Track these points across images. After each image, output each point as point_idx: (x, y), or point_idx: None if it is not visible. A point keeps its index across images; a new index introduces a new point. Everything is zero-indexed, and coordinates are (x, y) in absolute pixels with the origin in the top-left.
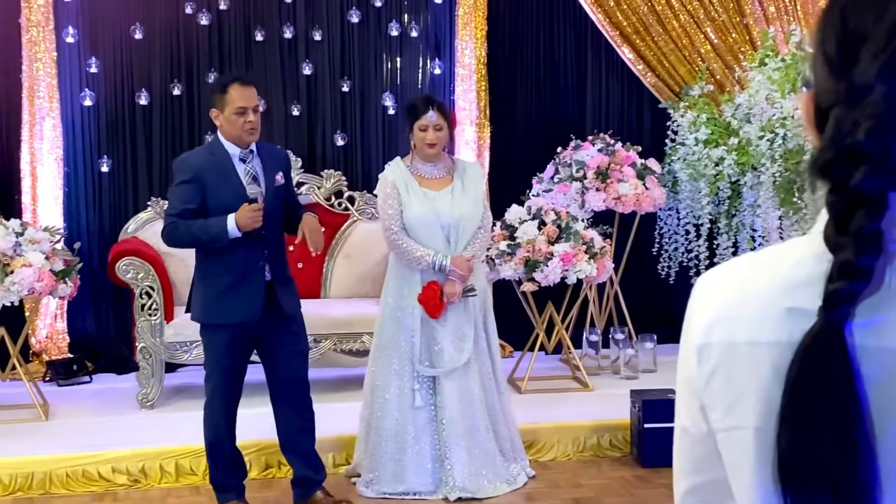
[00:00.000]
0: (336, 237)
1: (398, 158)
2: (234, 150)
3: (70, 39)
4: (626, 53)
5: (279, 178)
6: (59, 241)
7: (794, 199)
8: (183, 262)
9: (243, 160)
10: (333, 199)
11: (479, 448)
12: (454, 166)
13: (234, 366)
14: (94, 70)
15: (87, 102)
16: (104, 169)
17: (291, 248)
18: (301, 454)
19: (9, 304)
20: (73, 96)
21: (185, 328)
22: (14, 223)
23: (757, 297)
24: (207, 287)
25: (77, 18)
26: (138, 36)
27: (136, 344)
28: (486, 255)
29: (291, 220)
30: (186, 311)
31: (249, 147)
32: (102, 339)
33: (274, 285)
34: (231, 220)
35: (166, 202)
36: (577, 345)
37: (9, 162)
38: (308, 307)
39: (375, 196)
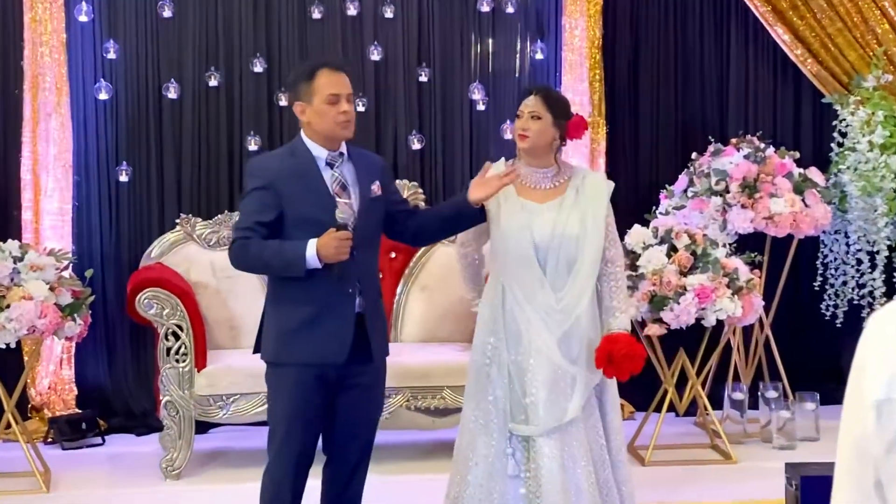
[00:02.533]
0: (410, 265)
1: (501, 160)
2: (320, 151)
3: (83, 18)
4: (780, 34)
5: (375, 188)
6: (66, 268)
7: None
8: (219, 296)
9: (331, 164)
10: None
11: None
12: (571, 176)
13: (308, 419)
14: (112, 56)
15: (104, 96)
16: (123, 179)
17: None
18: None
19: (4, 347)
20: (86, 88)
21: (220, 378)
22: (11, 245)
23: None
24: (282, 318)
25: None
26: (167, 14)
27: (160, 397)
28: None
29: (421, 228)
30: (255, 352)
31: (339, 149)
32: (118, 391)
33: (364, 320)
34: (312, 246)
35: (198, 221)
36: (717, 405)
37: (7, 169)
38: None
39: None
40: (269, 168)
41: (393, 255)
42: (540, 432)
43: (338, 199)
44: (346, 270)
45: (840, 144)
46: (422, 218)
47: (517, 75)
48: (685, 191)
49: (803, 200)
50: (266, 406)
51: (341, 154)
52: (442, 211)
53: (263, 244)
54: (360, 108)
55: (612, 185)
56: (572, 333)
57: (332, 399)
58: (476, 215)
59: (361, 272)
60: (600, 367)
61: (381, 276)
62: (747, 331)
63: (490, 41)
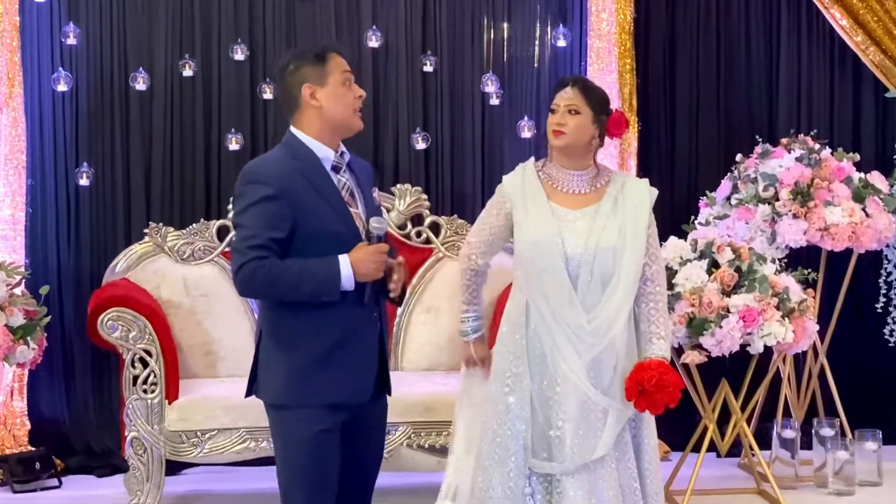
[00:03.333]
0: (412, 283)
1: (531, 161)
2: (325, 152)
3: None
4: (837, 19)
5: (376, 196)
6: (18, 285)
7: None
8: (194, 317)
9: (336, 169)
10: (410, 226)
11: None
12: (608, 180)
13: (330, 473)
14: (72, 41)
15: (62, 87)
16: (84, 182)
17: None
18: None
19: None
20: (42, 79)
21: (195, 411)
22: None
23: None
24: (296, 351)
25: None
26: None
27: (126, 433)
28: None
29: None
30: (248, 395)
31: (341, 150)
32: (77, 426)
33: (383, 347)
34: (346, 264)
35: (170, 230)
36: (765, 444)
37: None
38: None
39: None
40: (277, 173)
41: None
42: (565, 470)
43: (349, 208)
44: (376, 291)
45: None
46: None
47: (536, 65)
48: (728, 198)
49: (864, 209)
50: (247, 444)
51: (343, 154)
52: None
53: (285, 265)
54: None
55: (655, 192)
56: (604, 359)
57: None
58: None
59: (378, 291)
60: (630, 398)
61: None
62: (799, 359)
63: (505, 26)
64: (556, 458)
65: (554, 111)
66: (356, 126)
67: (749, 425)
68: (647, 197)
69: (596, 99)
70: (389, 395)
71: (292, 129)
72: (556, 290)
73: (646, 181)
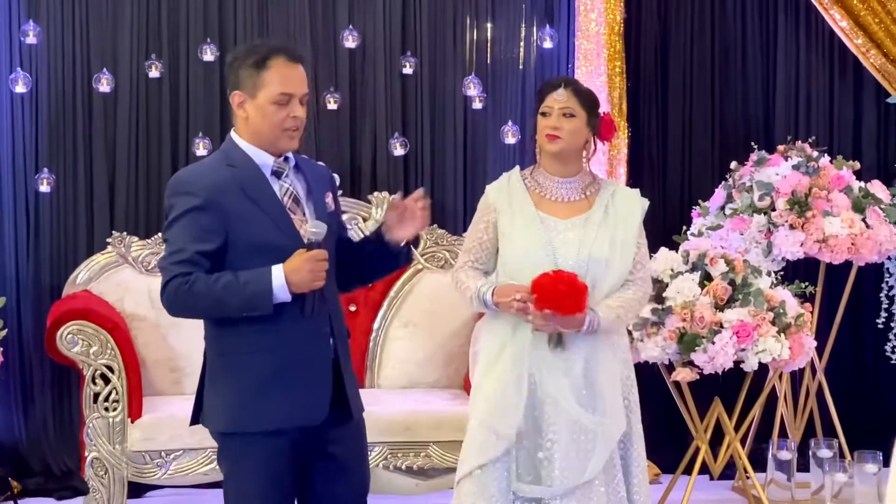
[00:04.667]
0: (390, 295)
1: (516, 169)
2: (263, 158)
3: None
4: (837, 21)
5: (329, 201)
6: None
7: None
8: (158, 331)
9: (277, 174)
10: None
11: None
12: (598, 188)
13: (283, 499)
14: (31, 40)
15: (20, 89)
16: (43, 188)
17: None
18: None
19: None
20: None
21: (159, 430)
22: None
23: None
24: (240, 374)
25: None
26: None
27: (86, 454)
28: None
29: (346, 265)
30: (193, 423)
31: (284, 155)
32: (35, 446)
33: (339, 366)
34: (279, 274)
35: (134, 240)
36: (760, 466)
37: None
38: None
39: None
40: (205, 183)
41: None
42: (554, 494)
43: (291, 214)
44: (320, 303)
45: None
46: (344, 253)
47: (521, 67)
48: (722, 208)
49: (864, 220)
50: (214, 465)
51: (287, 159)
52: (364, 246)
53: (211, 279)
54: (332, 106)
55: (646, 203)
56: (593, 374)
57: (302, 475)
58: (402, 255)
59: (330, 307)
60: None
61: (353, 308)
62: (796, 377)
63: (489, 26)
64: (545, 481)
65: (546, 114)
66: (285, 147)
67: (743, 446)
68: (638, 208)
69: (590, 100)
70: (351, 418)
71: (232, 132)
72: None
73: (637, 191)
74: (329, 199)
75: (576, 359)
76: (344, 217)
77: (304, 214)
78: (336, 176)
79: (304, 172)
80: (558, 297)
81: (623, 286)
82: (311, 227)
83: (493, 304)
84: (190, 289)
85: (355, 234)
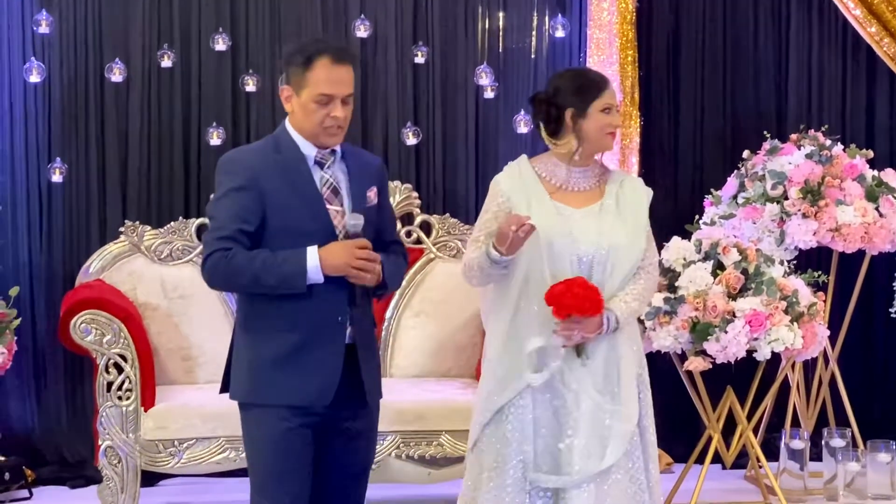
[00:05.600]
0: (403, 285)
1: (523, 158)
2: (308, 148)
3: None
4: (850, 8)
5: (372, 195)
6: None
7: None
8: (171, 320)
9: (321, 164)
10: (399, 225)
11: None
12: (606, 177)
13: (301, 474)
14: (44, 30)
15: (34, 79)
16: (56, 178)
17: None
18: None
19: None
20: (12, 69)
21: (172, 419)
22: None
23: None
24: (258, 347)
25: None
26: None
27: (99, 442)
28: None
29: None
30: (223, 391)
31: (331, 147)
32: (48, 435)
33: (357, 353)
34: (314, 255)
35: (147, 229)
36: (772, 455)
37: None
38: None
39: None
40: (250, 164)
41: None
42: (573, 483)
43: (328, 205)
44: (334, 292)
45: None
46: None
47: (533, 56)
48: (735, 197)
49: (877, 209)
50: (227, 454)
51: (333, 152)
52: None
53: (251, 255)
54: None
55: (650, 192)
56: (610, 360)
57: (319, 447)
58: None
59: (353, 294)
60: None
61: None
62: (809, 366)
63: (500, 15)
64: (564, 470)
65: (609, 111)
66: (327, 143)
67: (756, 435)
68: (645, 197)
69: None
70: (366, 406)
71: (286, 120)
72: None
73: (641, 181)
74: (371, 193)
75: (598, 350)
76: None
77: (342, 206)
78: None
79: (350, 164)
80: (577, 300)
81: (634, 275)
82: (349, 219)
83: (498, 252)
84: (230, 263)
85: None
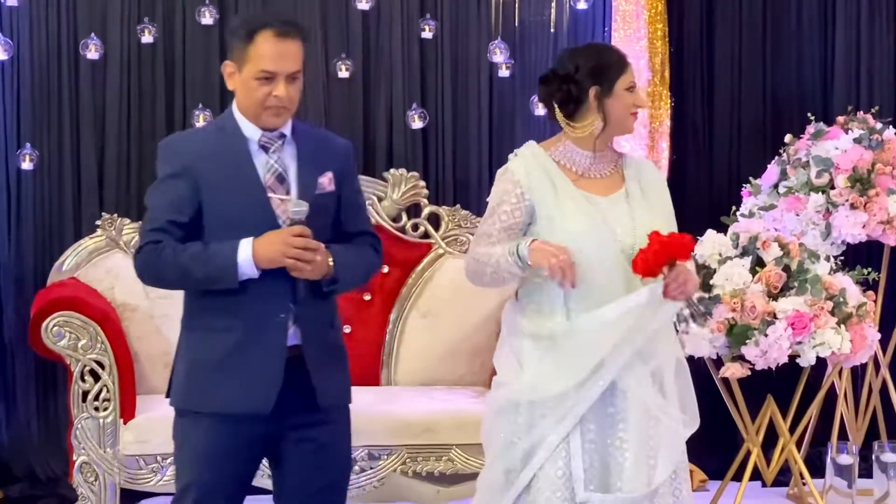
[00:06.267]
0: (408, 283)
1: (533, 144)
2: (252, 131)
3: None
4: None
5: (325, 181)
6: None
7: None
8: (152, 322)
9: (265, 147)
10: (405, 217)
11: None
12: (620, 162)
13: (228, 492)
14: (12, 2)
15: (1, 56)
16: (26, 165)
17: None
18: None
19: None
20: None
21: (154, 432)
22: None
23: None
24: (196, 350)
25: None
26: None
27: (74, 458)
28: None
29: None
30: (167, 396)
31: (279, 129)
32: (18, 450)
33: (303, 356)
34: (246, 246)
35: (126, 222)
36: (817, 471)
37: None
38: (358, 401)
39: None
40: (186, 149)
41: (385, 269)
42: (629, 501)
43: (271, 193)
44: (274, 287)
45: None
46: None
47: (552, 31)
48: (776, 186)
49: None
50: None
51: (282, 135)
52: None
53: (179, 248)
54: (344, 74)
55: (664, 177)
56: (661, 360)
57: (273, 461)
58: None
59: (298, 290)
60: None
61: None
62: (858, 373)
63: None
64: (613, 486)
65: (632, 90)
66: (269, 124)
67: (799, 450)
68: (664, 183)
69: None
70: (318, 410)
71: (234, 101)
72: (612, 288)
73: (651, 163)
74: (325, 179)
75: (657, 352)
76: None
77: (289, 193)
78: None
79: (302, 147)
80: (673, 241)
81: None
82: (291, 206)
83: (528, 259)
84: (158, 256)
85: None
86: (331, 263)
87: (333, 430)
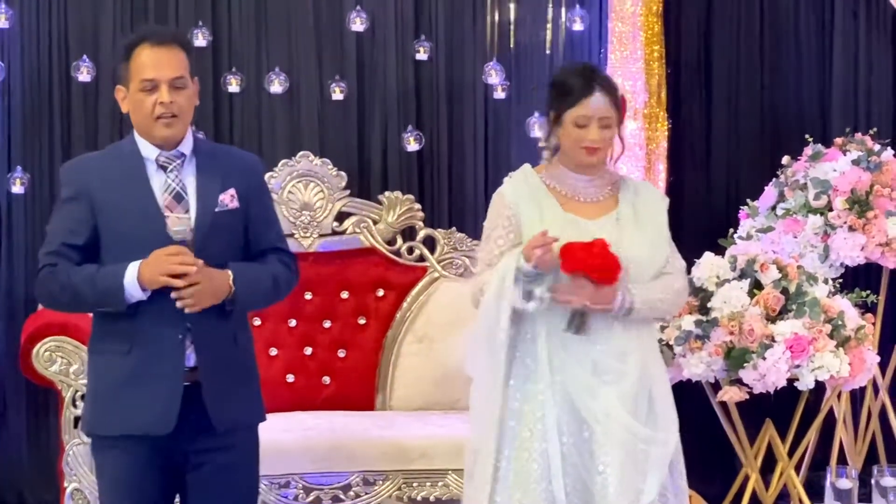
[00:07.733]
0: (403, 307)
1: (527, 167)
2: (150, 151)
3: None
4: None
5: (226, 198)
6: None
7: None
8: None
9: (164, 167)
10: (400, 240)
11: None
12: (619, 184)
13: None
14: (3, 24)
15: None
16: (16, 189)
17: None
18: None
19: None
20: None
21: None
22: None
23: None
24: (97, 375)
25: None
26: None
27: (65, 485)
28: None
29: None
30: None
31: (177, 147)
32: (8, 476)
33: (201, 379)
34: (132, 269)
35: None
36: (817, 496)
37: None
38: (354, 426)
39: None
40: (84, 172)
41: (380, 292)
42: None
43: (168, 212)
44: (171, 307)
45: None
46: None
47: (548, 52)
48: (773, 208)
49: None
50: None
51: (181, 154)
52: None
53: (73, 271)
54: (338, 96)
55: (667, 200)
56: (647, 386)
57: (182, 490)
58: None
59: (196, 312)
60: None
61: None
62: (857, 397)
63: (512, 6)
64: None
65: (584, 124)
66: (160, 136)
67: (798, 474)
68: (662, 206)
69: (619, 98)
70: (214, 432)
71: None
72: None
73: (654, 187)
74: (226, 196)
75: (629, 371)
76: (351, 219)
77: (187, 211)
78: (332, 171)
79: (202, 165)
80: (590, 258)
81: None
82: (172, 226)
83: (532, 266)
84: (54, 279)
85: (365, 241)
86: (230, 282)
87: (235, 454)
